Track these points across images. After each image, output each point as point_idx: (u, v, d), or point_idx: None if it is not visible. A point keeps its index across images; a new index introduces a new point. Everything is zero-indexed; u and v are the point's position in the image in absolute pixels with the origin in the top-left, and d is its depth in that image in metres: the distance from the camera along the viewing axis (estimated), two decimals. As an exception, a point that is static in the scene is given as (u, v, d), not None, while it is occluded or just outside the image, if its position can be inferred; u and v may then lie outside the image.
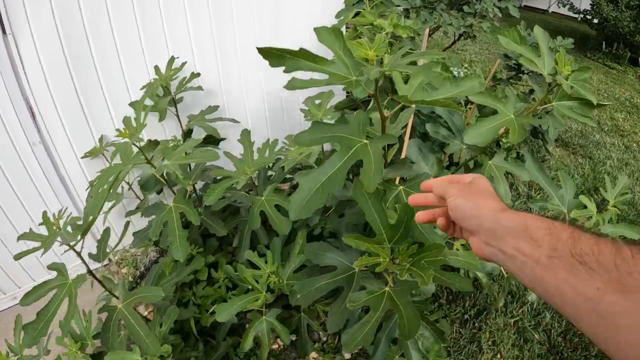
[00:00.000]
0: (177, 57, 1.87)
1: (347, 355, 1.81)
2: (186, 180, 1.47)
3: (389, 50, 1.66)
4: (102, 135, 1.89)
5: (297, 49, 0.81)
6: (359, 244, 0.98)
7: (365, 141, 0.89)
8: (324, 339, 1.86)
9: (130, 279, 2.09)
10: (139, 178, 1.91)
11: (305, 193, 0.81)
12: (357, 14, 1.87)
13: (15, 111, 1.70)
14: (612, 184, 1.47)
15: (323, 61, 0.82)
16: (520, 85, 2.76)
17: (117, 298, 1.37)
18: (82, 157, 1.89)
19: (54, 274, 1.27)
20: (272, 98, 2.26)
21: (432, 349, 1.36)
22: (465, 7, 2.58)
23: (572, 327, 1.83)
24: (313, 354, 1.81)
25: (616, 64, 6.21)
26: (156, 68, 1.81)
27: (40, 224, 1.31)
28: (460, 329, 1.80)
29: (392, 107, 1.84)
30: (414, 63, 1.66)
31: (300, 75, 0.82)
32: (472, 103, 2.45)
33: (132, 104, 1.57)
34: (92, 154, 1.88)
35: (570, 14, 7.46)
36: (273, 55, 0.78)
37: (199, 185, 2.13)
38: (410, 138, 1.92)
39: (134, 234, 1.71)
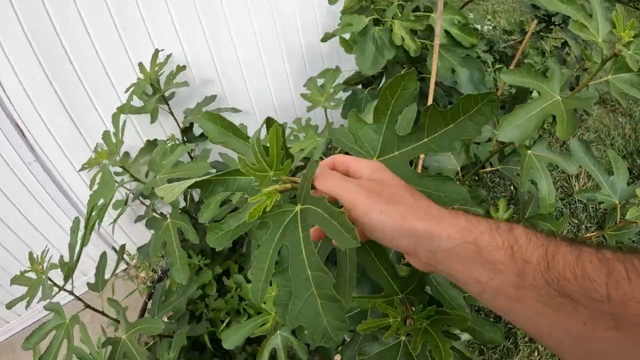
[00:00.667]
0: (162, 50, 1.63)
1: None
2: (176, 200, 1.28)
3: (400, 14, 1.35)
4: (97, 144, 1.71)
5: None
6: (362, 302, 0.74)
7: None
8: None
9: (149, 283, 1.97)
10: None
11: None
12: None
13: (4, 133, 1.55)
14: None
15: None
16: (550, 38, 2.36)
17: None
18: (80, 170, 1.72)
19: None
20: (277, 76, 1.99)
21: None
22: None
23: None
24: None
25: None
26: (140, 65, 1.58)
27: (26, 271, 1.19)
28: (495, 323, 1.59)
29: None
30: (431, 27, 1.35)
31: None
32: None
33: (115, 115, 1.37)
34: (90, 165, 1.71)
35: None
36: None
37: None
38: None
39: (139, 249, 1.57)
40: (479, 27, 2.77)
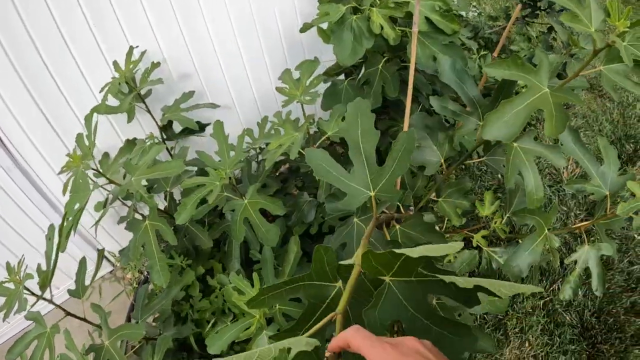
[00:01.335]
0: (137, 47, 1.52)
1: None
2: (151, 199, 1.19)
3: (378, 1, 1.25)
4: (75, 147, 1.61)
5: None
6: None
7: (338, 284, 0.55)
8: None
9: (135, 284, 1.90)
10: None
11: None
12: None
13: None
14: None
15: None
16: (536, 23, 2.26)
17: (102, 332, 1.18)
18: (59, 173, 1.63)
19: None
20: (257, 69, 1.88)
21: None
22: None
23: (606, 306, 1.53)
24: None
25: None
26: (115, 64, 1.47)
27: (4, 282, 1.12)
28: (485, 315, 1.54)
29: (389, 71, 1.45)
30: (411, 14, 1.25)
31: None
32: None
33: (88, 117, 1.27)
34: (68, 168, 1.61)
35: None
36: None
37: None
38: (413, 102, 1.54)
39: (120, 252, 1.48)
40: (463, 13, 2.66)
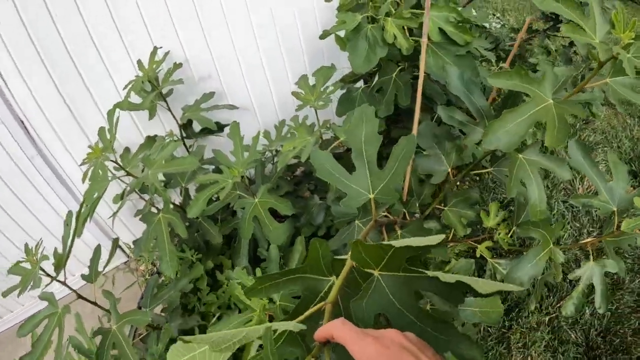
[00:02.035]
0: (160, 47, 1.60)
1: None
2: (165, 192, 1.25)
3: (394, 11, 1.28)
4: (98, 140, 1.70)
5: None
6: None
7: (332, 279, 0.57)
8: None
9: (148, 276, 1.97)
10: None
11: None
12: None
13: (8, 128, 1.55)
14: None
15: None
16: (559, 37, 2.25)
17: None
18: (81, 165, 1.72)
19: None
20: (277, 73, 1.94)
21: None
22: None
23: (613, 326, 1.50)
24: None
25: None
26: (139, 63, 1.55)
27: (21, 261, 1.19)
28: (489, 327, 1.53)
29: (402, 80, 1.48)
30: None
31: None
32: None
33: (110, 112, 1.34)
34: (89, 159, 1.70)
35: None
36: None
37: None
38: (428, 112, 1.56)
39: (134, 242, 1.55)
40: (486, 25, 2.66)
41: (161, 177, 1.64)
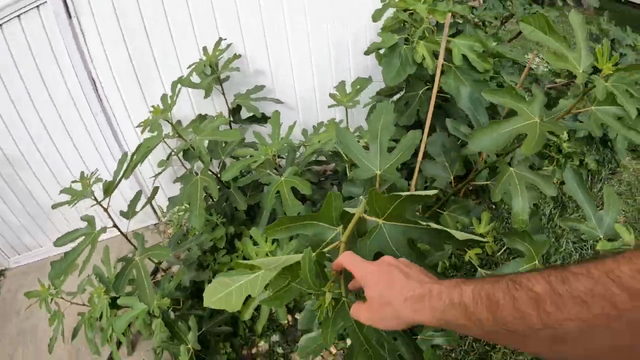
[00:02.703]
0: (225, 39, 1.87)
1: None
2: (207, 156, 1.48)
3: (427, 35, 1.46)
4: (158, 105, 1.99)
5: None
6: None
7: (338, 229, 0.68)
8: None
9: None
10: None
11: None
12: None
13: (80, 85, 1.85)
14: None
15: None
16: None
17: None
18: (137, 127, 2.01)
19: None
20: (323, 78, 2.17)
21: None
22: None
23: None
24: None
25: None
26: (204, 49, 1.84)
27: (74, 181, 1.42)
28: (473, 342, 1.61)
29: (426, 96, 1.65)
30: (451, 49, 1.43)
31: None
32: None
33: (174, 83, 1.62)
34: (145, 124, 1.99)
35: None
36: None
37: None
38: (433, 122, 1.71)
39: (169, 199, 1.79)
40: (534, 66, 2.77)
41: (206, 143, 1.89)
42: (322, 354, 1.73)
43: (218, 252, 1.72)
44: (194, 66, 1.82)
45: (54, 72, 1.81)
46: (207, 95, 1.84)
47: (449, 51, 1.40)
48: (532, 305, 0.38)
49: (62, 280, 1.44)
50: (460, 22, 1.80)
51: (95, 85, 1.88)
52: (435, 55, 1.42)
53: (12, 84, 1.80)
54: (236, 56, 1.82)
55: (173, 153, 1.63)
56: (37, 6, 1.65)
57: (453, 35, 1.45)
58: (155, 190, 1.59)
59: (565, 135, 2.19)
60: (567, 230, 2.00)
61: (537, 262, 1.18)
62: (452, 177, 1.30)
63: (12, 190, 2.09)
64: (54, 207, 1.40)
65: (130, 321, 1.55)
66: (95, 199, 1.37)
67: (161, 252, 1.35)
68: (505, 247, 1.98)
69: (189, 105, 2.06)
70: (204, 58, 1.82)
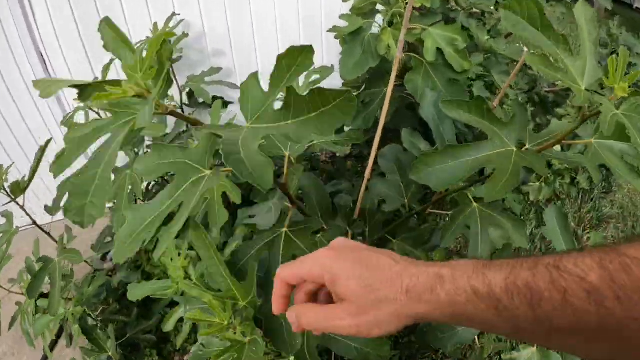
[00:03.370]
0: (178, 14, 1.53)
1: None
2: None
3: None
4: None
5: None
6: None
7: (208, 172, 0.53)
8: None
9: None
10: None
11: (132, 229, 0.51)
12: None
13: (25, 52, 1.56)
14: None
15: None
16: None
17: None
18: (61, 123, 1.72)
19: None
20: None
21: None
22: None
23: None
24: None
25: None
26: (154, 25, 1.50)
27: None
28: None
29: (392, 96, 1.32)
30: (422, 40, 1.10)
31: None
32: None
33: (105, 66, 1.31)
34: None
35: None
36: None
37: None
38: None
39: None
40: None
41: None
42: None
43: (152, 252, 1.45)
44: (139, 44, 1.48)
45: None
46: (154, 76, 1.52)
47: (421, 42, 1.06)
48: (588, 300, 0.27)
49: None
50: (453, 10, 1.45)
51: (41, 54, 1.59)
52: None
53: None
54: (184, 35, 1.49)
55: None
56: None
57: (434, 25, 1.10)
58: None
59: (558, 147, 1.86)
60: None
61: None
62: (406, 200, 0.99)
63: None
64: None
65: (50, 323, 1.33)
66: (10, 196, 1.11)
67: (73, 256, 1.11)
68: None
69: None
70: (149, 36, 1.49)
